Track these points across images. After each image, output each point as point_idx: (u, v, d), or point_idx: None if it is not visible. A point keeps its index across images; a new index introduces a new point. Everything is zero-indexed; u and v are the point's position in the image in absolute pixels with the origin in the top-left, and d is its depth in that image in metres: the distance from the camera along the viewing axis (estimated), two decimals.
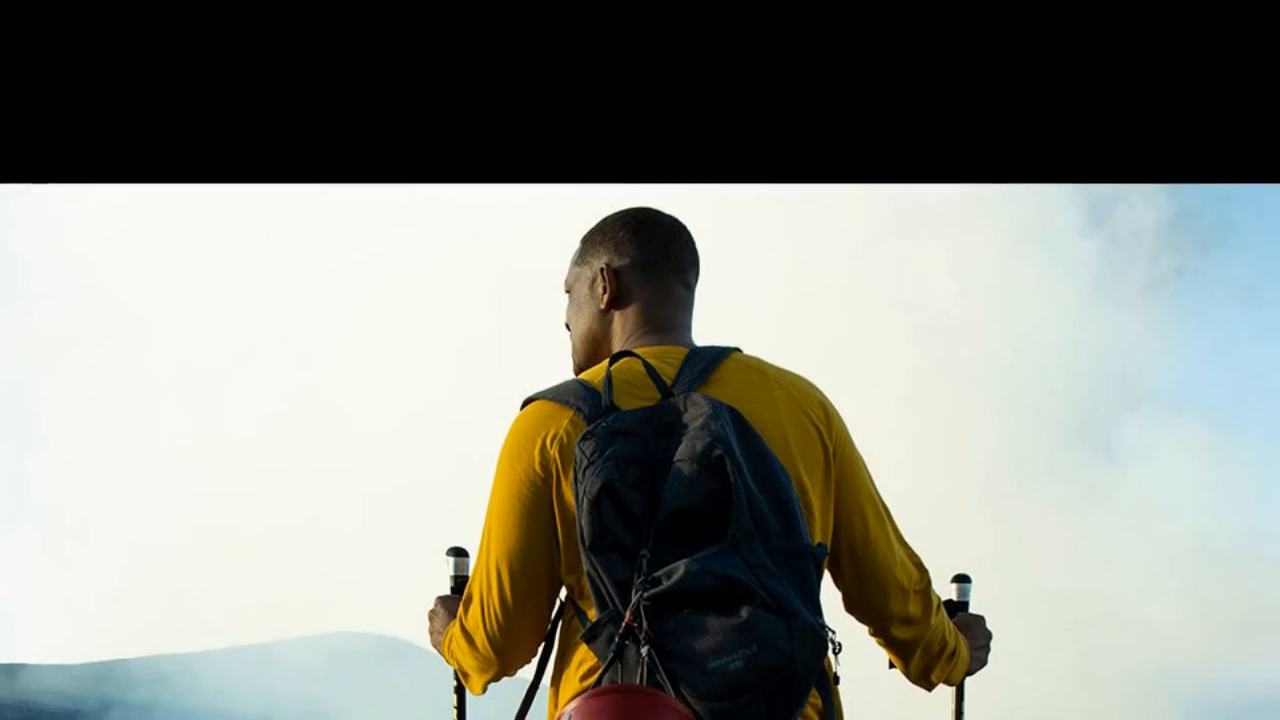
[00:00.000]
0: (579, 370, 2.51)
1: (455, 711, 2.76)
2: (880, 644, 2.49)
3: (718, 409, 2.14)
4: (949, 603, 2.76)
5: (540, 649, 2.35)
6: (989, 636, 2.69)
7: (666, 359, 2.32)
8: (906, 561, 2.42)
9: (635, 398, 2.24)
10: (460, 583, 2.66)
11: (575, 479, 2.11)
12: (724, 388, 2.27)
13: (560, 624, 2.32)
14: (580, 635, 2.16)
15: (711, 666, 1.93)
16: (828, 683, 2.24)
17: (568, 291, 2.55)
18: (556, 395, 2.28)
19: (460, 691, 2.72)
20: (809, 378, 2.41)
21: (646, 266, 2.44)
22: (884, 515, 2.41)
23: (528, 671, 2.40)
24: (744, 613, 1.96)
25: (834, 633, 2.14)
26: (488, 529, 2.31)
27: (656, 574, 2.00)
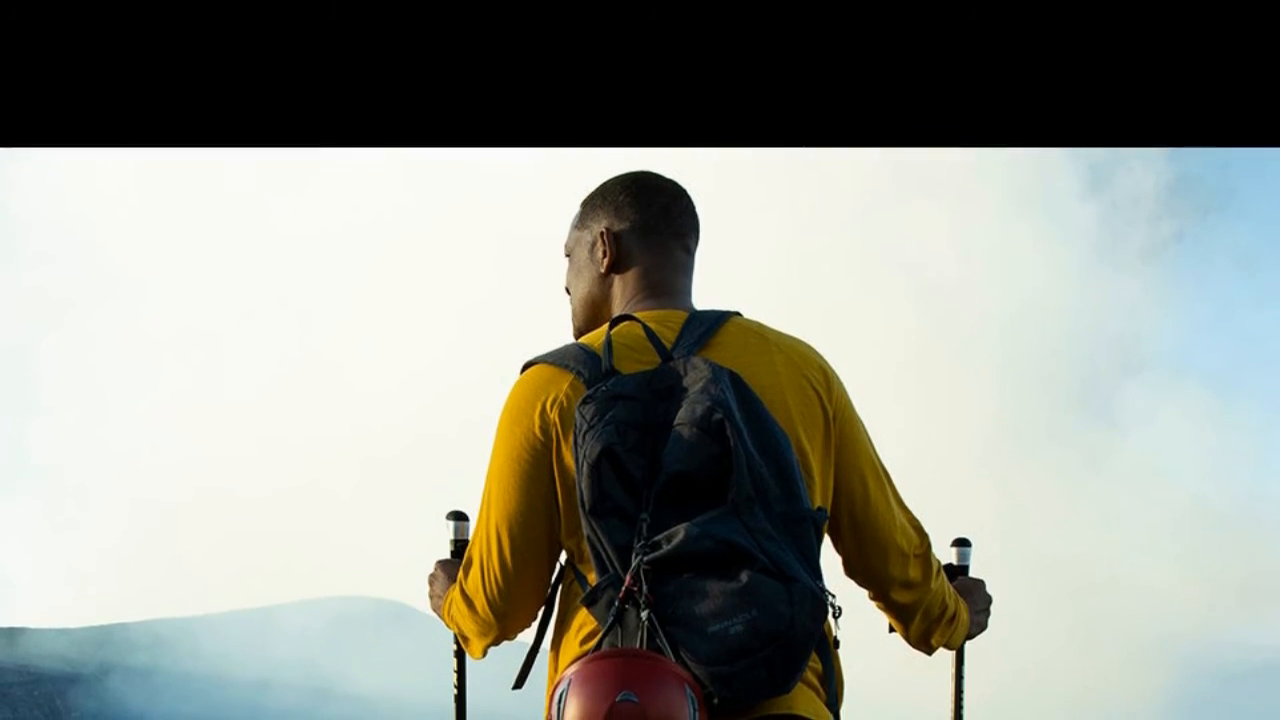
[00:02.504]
0: (579, 334, 2.50)
1: (455, 675, 2.77)
2: (880, 608, 2.49)
3: (718, 373, 2.13)
4: (949, 567, 2.76)
5: (540, 613, 2.35)
6: (989, 600, 2.69)
7: (666, 323, 2.31)
8: (906, 526, 2.42)
9: (635, 362, 2.23)
10: (460, 547, 2.66)
11: (575, 443, 2.11)
12: (724, 352, 2.26)
13: (560, 588, 2.32)
14: (580, 599, 2.16)
15: (711, 631, 1.94)
16: (828, 647, 2.24)
17: (568, 255, 2.54)
18: (556, 359, 2.27)
19: (460, 655, 2.73)
20: (809, 341, 2.40)
21: (647, 231, 2.43)
22: (884, 479, 2.40)
23: (527, 635, 2.41)
24: (744, 577, 1.96)
25: (834, 597, 2.14)
26: (487, 493, 2.31)
27: (656, 538, 2.00)
